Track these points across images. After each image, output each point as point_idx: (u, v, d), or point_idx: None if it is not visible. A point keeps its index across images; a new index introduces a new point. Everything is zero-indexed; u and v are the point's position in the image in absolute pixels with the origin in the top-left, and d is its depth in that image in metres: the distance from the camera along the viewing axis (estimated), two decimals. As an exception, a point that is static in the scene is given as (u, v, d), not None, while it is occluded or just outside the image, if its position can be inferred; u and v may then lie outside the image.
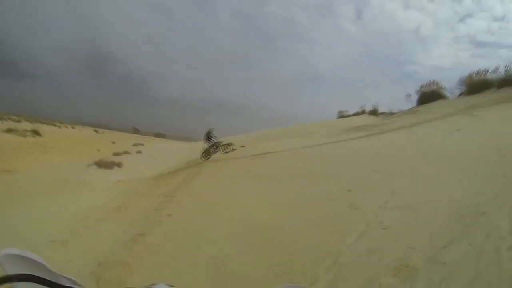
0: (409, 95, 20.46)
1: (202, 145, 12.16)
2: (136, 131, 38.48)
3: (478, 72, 17.03)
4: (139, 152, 16.37)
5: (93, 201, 6.24)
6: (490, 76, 16.17)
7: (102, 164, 11.14)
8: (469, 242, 2.72)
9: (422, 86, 20.13)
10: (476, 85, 16.49)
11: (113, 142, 24.76)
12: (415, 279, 2.40)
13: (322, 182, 5.69)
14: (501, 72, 15.51)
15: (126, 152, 15.45)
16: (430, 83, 19.98)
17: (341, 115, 25.25)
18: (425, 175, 4.98)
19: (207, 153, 11.42)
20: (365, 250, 3.03)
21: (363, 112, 23.34)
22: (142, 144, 21.52)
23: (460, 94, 17.59)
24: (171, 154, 16.01)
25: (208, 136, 11.72)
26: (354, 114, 24.12)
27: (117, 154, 14.69)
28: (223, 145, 12.01)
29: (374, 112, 22.21)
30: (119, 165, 11.46)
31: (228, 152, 11.87)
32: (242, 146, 13.57)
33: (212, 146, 11.64)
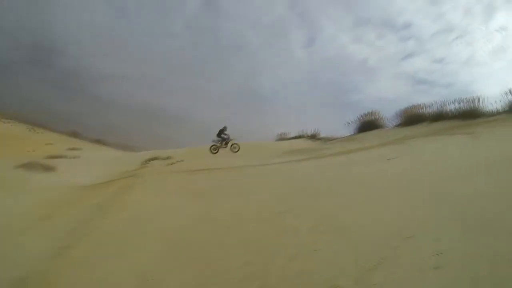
0: (348, 123, 22.61)
1: (142, 156, 13.90)
2: (75, 134, 35.55)
3: (415, 106, 19.82)
4: (76, 157, 16.61)
5: (17, 208, 6.23)
6: (425, 110, 19.01)
7: (33, 167, 10.93)
8: (396, 264, 2.99)
9: (362, 115, 22.53)
10: (412, 118, 18.94)
11: (49, 144, 24.26)
12: None
13: (254, 202, 6.02)
14: (435, 107, 18.12)
15: (62, 156, 15.51)
16: (371, 113, 22.39)
17: (281, 137, 26.60)
18: (356, 199, 5.41)
19: (215, 148, 13.82)
20: (295, 272, 3.21)
21: (303, 136, 24.92)
22: (80, 149, 21.68)
23: (397, 125, 20.10)
24: (110, 162, 16.15)
25: (220, 132, 13.95)
26: (294, 137, 25.58)
27: (51, 157, 14.55)
28: (233, 143, 14.12)
29: (313, 137, 23.81)
30: (52, 169, 11.31)
31: (237, 151, 13.87)
32: (181, 160, 14.03)
33: (223, 141, 13.82)
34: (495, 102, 15.75)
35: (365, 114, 22.23)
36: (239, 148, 14.44)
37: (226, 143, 14.21)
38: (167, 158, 13.90)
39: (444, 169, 6.35)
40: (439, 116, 17.32)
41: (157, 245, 4.24)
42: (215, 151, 14.09)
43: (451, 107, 17.14)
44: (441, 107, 17.64)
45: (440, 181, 5.53)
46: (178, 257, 3.87)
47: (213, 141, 14.83)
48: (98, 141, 35.01)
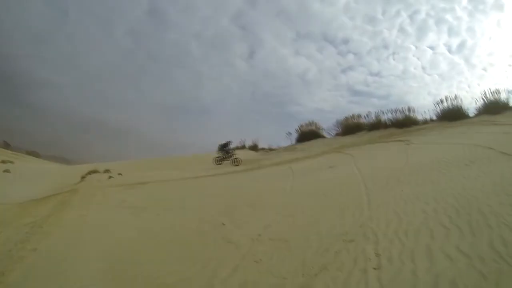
0: (289, 133, 23.52)
1: (80, 169, 14.17)
2: (6, 145, 31.70)
3: (352, 116, 21.35)
4: (7, 171, 15.64)
5: None
6: (362, 120, 20.62)
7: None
8: (338, 268, 3.16)
9: (301, 125, 23.65)
10: (350, 127, 20.37)
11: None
12: None
13: (195, 215, 6.14)
14: (372, 117, 19.78)
15: None
16: (310, 123, 23.59)
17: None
18: (295, 209, 5.64)
19: (220, 159, 15.36)
20: (239, 283, 3.30)
21: (243, 147, 25.39)
22: (11, 162, 20.28)
23: (336, 134, 21.39)
24: (45, 176, 15.44)
25: (224, 147, 15.74)
26: (235, 148, 26.00)
27: None
28: (234, 158, 15.45)
29: (254, 148, 24.40)
30: None
31: (237, 165, 14.80)
32: (120, 174, 13.99)
33: (227, 154, 15.44)
34: (426, 111, 17.77)
35: (304, 125, 23.28)
36: (240, 163, 15.42)
37: (230, 156, 15.54)
38: (106, 171, 13.69)
39: (381, 174, 6.84)
40: (376, 125, 18.84)
41: (99, 264, 4.15)
42: (219, 163, 15.43)
43: (387, 116, 18.79)
44: (378, 116, 19.22)
45: (379, 185, 5.95)
46: (120, 276, 3.82)
47: (218, 154, 16.26)
48: (32, 153, 32.63)
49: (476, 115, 15.44)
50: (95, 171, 13.85)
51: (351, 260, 3.30)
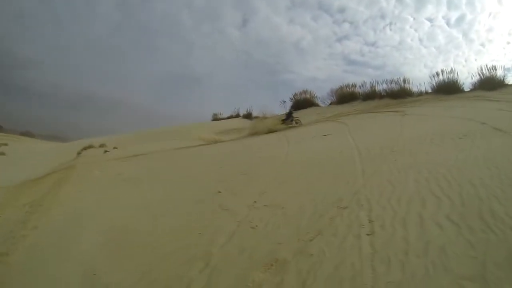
0: (283, 101, 23.46)
1: (75, 146, 14.78)
2: None
3: (347, 85, 21.28)
4: (2, 153, 16.23)
5: None
6: (357, 89, 20.60)
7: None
8: (333, 233, 3.30)
9: (296, 94, 23.59)
10: (345, 96, 20.37)
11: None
12: (285, 272, 2.84)
13: (191, 184, 6.33)
14: (367, 87, 19.70)
15: None
16: (304, 91, 23.49)
17: (216, 118, 26.86)
18: (290, 176, 5.81)
19: (284, 121, 16.14)
20: (236, 249, 3.43)
21: (237, 116, 25.39)
22: (6, 144, 20.72)
23: (331, 104, 21.40)
24: (40, 156, 15.57)
25: (290, 114, 16.71)
26: (229, 117, 26.02)
27: None
28: (296, 119, 16.48)
29: (248, 116, 24.40)
30: None
31: (298, 123, 16.11)
32: (115, 148, 14.21)
33: (291, 118, 16.26)
34: (422, 83, 17.83)
35: (299, 93, 23.24)
36: (299, 123, 16.38)
37: (292, 120, 16.33)
38: (102, 146, 14.04)
39: (376, 144, 6.97)
40: (371, 95, 18.91)
41: (98, 238, 4.27)
42: (283, 123, 16.21)
43: (382, 87, 18.84)
44: (373, 87, 19.26)
45: (373, 154, 6.09)
46: (120, 248, 3.95)
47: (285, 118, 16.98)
48: (25, 134, 32.26)
49: (472, 90, 15.55)
50: (90, 147, 14.24)
51: (345, 226, 3.44)
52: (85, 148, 13.85)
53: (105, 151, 13.18)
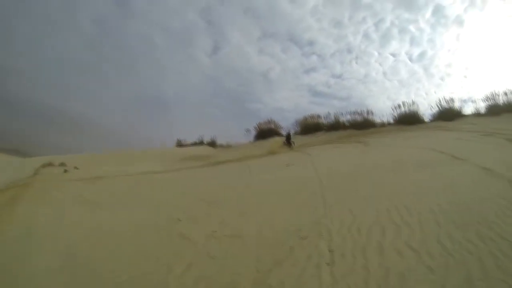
0: (248, 130, 23.73)
1: (33, 162, 13.64)
2: None
3: (312, 116, 21.91)
4: None
5: None
6: (322, 120, 21.24)
7: None
8: (293, 263, 3.26)
9: (260, 123, 23.95)
10: (310, 127, 20.90)
11: None
12: None
13: (152, 211, 6.16)
14: (331, 118, 20.43)
15: None
16: (269, 121, 23.93)
17: (180, 144, 26.65)
18: (251, 206, 5.74)
19: (283, 145, 16.59)
20: (193, 279, 3.35)
21: (201, 143, 25.31)
22: None
23: (295, 134, 21.85)
24: None
25: (288, 137, 17.39)
26: (194, 144, 25.91)
27: None
28: (293, 141, 16.89)
29: (212, 144, 24.38)
30: None
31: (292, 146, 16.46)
32: (75, 168, 13.40)
33: (288, 141, 16.83)
34: (385, 115, 18.72)
35: (263, 122, 23.60)
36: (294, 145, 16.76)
37: (290, 144, 16.79)
38: (62, 164, 13.13)
39: (338, 173, 7.08)
40: (335, 126, 19.48)
41: (52, 261, 4.07)
42: (282, 147, 16.55)
43: (346, 118, 19.51)
44: (337, 117, 19.92)
45: (335, 184, 6.15)
46: (75, 273, 3.79)
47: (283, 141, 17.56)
48: None
49: (431, 121, 16.44)
50: (49, 164, 13.27)
51: (305, 256, 3.41)
52: (43, 166, 13.01)
53: (65, 171, 12.37)
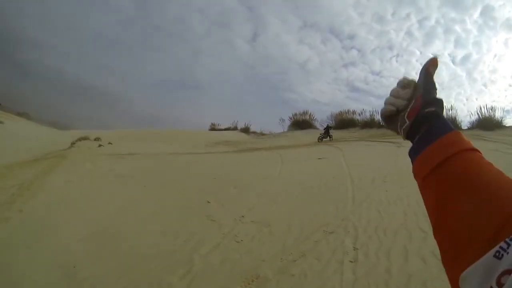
0: (282, 120, 23.70)
1: (70, 135, 14.97)
2: None
3: (347, 111, 21.56)
4: None
5: None
6: (357, 117, 20.86)
7: None
8: (316, 257, 3.29)
9: (295, 114, 23.80)
10: (344, 122, 20.66)
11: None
12: None
13: (182, 191, 6.27)
14: (367, 115, 20.13)
15: None
16: (304, 112, 23.74)
17: (213, 128, 27.11)
18: (280, 195, 5.76)
19: (321, 138, 16.90)
20: (219, 260, 3.40)
21: (235, 128, 25.55)
22: (1, 122, 19.09)
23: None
24: (35, 139, 15.34)
25: (327, 129, 17.69)
26: (226, 129, 26.24)
27: None
28: (331, 135, 17.39)
29: (245, 130, 24.54)
30: None
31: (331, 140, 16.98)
32: (109, 143, 14.04)
33: (326, 134, 17.22)
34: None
35: (298, 113, 23.45)
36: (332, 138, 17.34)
37: (329, 136, 17.29)
38: (97, 139, 13.86)
39: (369, 172, 6.97)
40: (370, 124, 19.10)
41: (81, 230, 4.26)
42: (320, 141, 16.74)
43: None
44: (372, 115, 19.48)
45: (365, 183, 6.08)
46: (102, 244, 3.90)
47: (320, 133, 17.78)
48: (22, 114, 31.76)
49: (469, 128, 15.69)
50: (85, 138, 13.96)
51: (329, 251, 3.42)
52: (80, 139, 13.68)
53: (100, 145, 13.02)
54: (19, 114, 31.64)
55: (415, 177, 0.66)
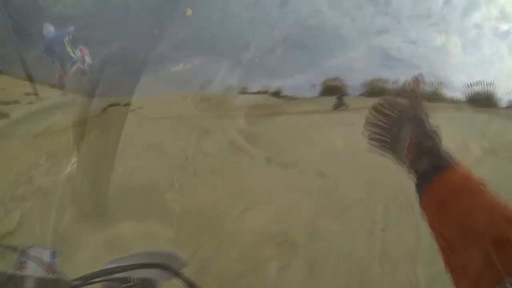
0: (313, 85, 23.23)
1: (100, 102, 13.47)
2: (30, 77, 30.19)
3: (380, 80, 20.85)
4: (31, 102, 15.20)
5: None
6: (389, 86, 20.16)
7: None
8: (347, 223, 3.34)
9: (326, 79, 23.22)
10: (375, 90, 20.16)
11: (1, 89, 20.91)
12: (294, 252, 2.84)
13: (216, 155, 5.95)
14: (399, 84, 19.46)
15: (16, 102, 13.75)
16: (336, 78, 23.17)
17: (244, 91, 26.84)
18: (315, 162, 5.45)
19: (336, 106, 13.43)
20: (249, 223, 3.38)
21: (266, 92, 25.22)
22: (37, 94, 19.54)
23: (361, 94, 21.07)
24: (68, 108, 15.10)
25: (339, 97, 14.29)
26: (257, 92, 25.90)
27: (4, 103, 13.03)
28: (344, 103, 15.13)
29: (276, 94, 24.27)
30: (5, 116, 10.14)
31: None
32: (140, 108, 14.05)
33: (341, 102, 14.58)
34: (456, 91, 17.08)
35: (330, 79, 22.86)
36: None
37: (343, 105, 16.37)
38: (126, 104, 13.77)
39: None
40: (401, 93, 18.43)
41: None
42: (336, 109, 16.10)
43: (413, 87, 18.36)
44: (405, 84, 18.74)
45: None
46: (135, 201, 3.90)
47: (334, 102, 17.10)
48: (55, 86, 31.81)
49: (507, 107, 14.74)
50: (115, 104, 13.91)
51: (359, 218, 3.45)
52: (110, 105, 13.78)
53: (131, 110, 13.08)
54: (52, 86, 31.72)
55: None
